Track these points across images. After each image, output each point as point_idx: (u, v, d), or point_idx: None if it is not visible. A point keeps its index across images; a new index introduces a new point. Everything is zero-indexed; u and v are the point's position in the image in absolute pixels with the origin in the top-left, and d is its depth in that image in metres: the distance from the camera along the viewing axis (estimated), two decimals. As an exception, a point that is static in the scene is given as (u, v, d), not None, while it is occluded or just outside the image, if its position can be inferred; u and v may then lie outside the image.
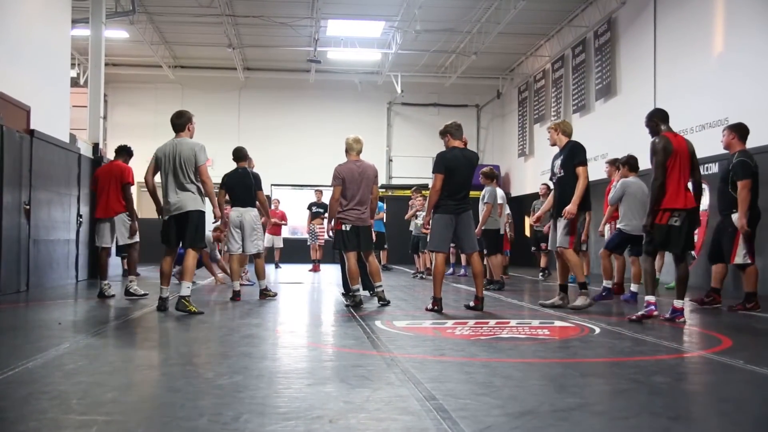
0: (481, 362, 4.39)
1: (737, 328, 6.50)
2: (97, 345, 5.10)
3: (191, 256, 6.93)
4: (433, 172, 7.23)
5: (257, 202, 8.63)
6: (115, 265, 11.80)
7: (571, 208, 7.25)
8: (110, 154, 14.26)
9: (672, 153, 6.29)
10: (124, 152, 9.05)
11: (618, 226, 8.70)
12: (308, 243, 16.19)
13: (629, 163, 8.75)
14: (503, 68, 21.50)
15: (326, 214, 15.52)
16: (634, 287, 8.58)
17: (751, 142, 10.30)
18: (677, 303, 6.44)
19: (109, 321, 6.54)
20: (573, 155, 7.40)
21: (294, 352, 5.02)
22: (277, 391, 3.54)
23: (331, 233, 7.88)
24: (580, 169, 7.32)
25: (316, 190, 16.67)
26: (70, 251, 11.16)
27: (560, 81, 18.12)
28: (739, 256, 7.51)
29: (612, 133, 14.86)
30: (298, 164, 21.01)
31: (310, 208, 15.95)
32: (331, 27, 17.42)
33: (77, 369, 4.17)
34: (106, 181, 8.55)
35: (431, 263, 13.97)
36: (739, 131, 7.68)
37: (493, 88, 22.00)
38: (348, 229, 7.67)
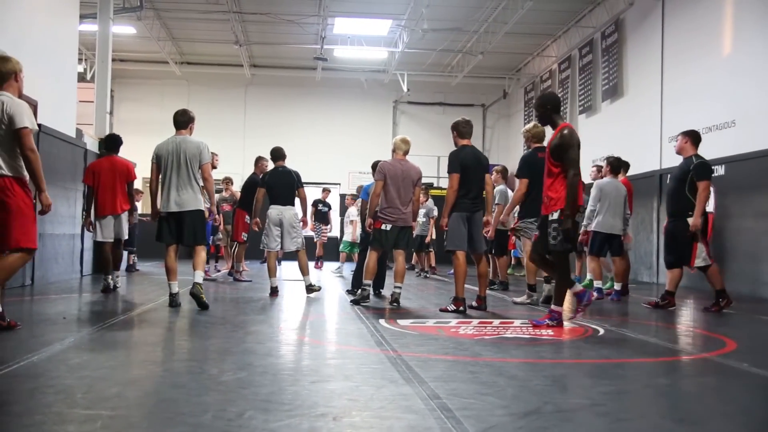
0: (485, 362, 4.39)
1: (742, 331, 6.49)
2: (101, 340, 5.10)
3: (202, 250, 7.05)
4: (448, 173, 7.20)
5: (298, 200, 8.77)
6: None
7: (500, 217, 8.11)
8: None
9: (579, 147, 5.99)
10: (115, 144, 9.01)
11: (593, 227, 8.88)
12: (315, 240, 16.13)
13: (612, 164, 8.98)
14: (510, 68, 21.48)
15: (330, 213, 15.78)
16: (617, 286, 8.91)
17: (758, 146, 10.33)
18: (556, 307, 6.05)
19: (114, 316, 6.55)
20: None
21: (298, 349, 5.03)
22: (282, 388, 3.54)
23: (369, 229, 7.84)
24: (520, 182, 7.79)
25: (324, 190, 16.66)
26: (75, 246, 11.18)
27: (567, 81, 18.09)
28: (700, 259, 7.57)
29: (618, 135, 14.84)
30: (303, 161, 20.84)
31: (315, 205, 15.89)
32: (338, 25, 17.44)
33: (82, 363, 4.18)
34: (110, 178, 8.53)
35: (427, 263, 14.07)
36: (693, 137, 7.81)
37: (500, 87, 21.99)
38: (388, 229, 7.62)
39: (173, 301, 6.95)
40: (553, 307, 6.05)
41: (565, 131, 5.89)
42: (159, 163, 7.01)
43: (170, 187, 6.89)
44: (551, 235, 5.89)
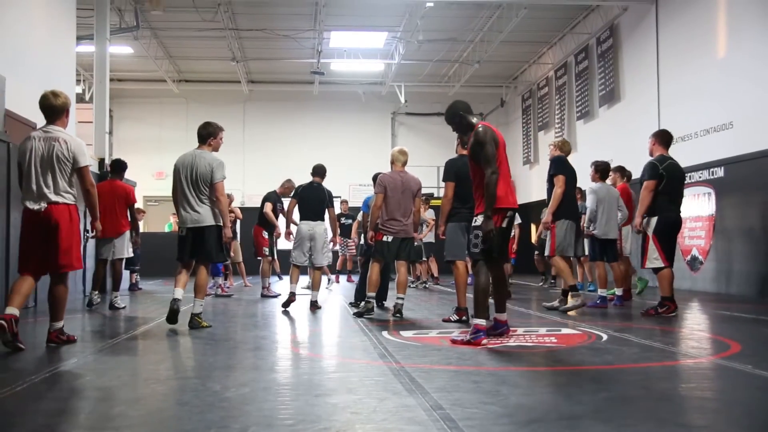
0: (488, 371, 4.38)
1: (746, 333, 6.48)
2: (104, 359, 5.11)
3: (204, 273, 6.77)
4: (443, 180, 7.22)
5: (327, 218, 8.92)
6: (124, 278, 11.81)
7: (545, 218, 8.06)
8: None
9: (498, 144, 5.58)
10: (120, 169, 9.43)
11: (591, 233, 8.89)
12: (340, 254, 15.83)
13: (601, 170, 8.91)
14: (506, 76, 21.54)
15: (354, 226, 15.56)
16: (618, 291, 8.96)
17: (756, 147, 10.34)
18: (478, 322, 5.47)
19: (117, 335, 6.55)
20: (550, 167, 8.08)
21: (301, 364, 5.02)
22: (284, 403, 3.54)
23: (371, 241, 7.86)
24: (555, 179, 7.94)
25: (342, 202, 16.35)
26: (77, 266, 11.18)
27: (563, 88, 18.14)
28: (650, 260, 7.51)
29: (616, 139, 14.86)
30: (303, 176, 20.90)
31: (338, 219, 15.51)
32: (334, 39, 17.52)
33: (85, 383, 4.18)
34: (110, 200, 8.83)
35: (429, 272, 14.02)
36: (660, 137, 7.80)
37: (497, 96, 22.04)
38: (390, 240, 7.64)
39: (174, 305, 6.57)
40: (474, 321, 5.52)
41: (480, 128, 5.62)
42: (174, 177, 6.80)
43: (184, 202, 6.69)
44: (471, 241, 5.58)
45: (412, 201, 7.74)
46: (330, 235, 9.21)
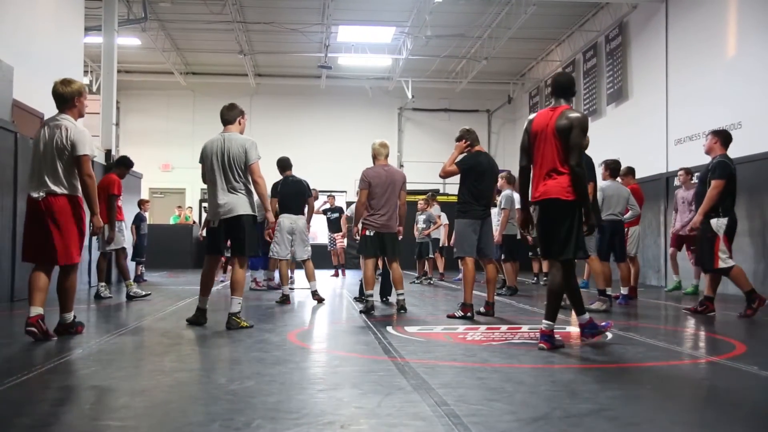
0: (492, 368, 4.37)
1: (751, 333, 6.45)
2: (110, 350, 5.12)
3: (242, 267, 6.27)
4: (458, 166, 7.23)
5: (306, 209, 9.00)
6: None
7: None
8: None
9: (529, 133, 5.27)
10: (122, 165, 9.44)
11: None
12: (329, 249, 15.92)
13: (611, 168, 8.81)
14: (514, 73, 21.49)
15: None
16: (624, 290, 8.83)
17: (764, 147, 10.29)
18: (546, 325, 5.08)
19: (122, 326, 6.57)
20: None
21: (306, 358, 5.02)
22: (289, 397, 3.54)
23: (356, 237, 7.85)
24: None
25: (329, 196, 16.37)
26: (83, 257, 11.20)
27: (571, 86, 18.06)
28: (722, 261, 7.26)
29: (624, 138, 14.81)
30: (308, 170, 20.81)
31: (325, 213, 15.64)
32: (341, 33, 17.49)
33: (90, 374, 4.19)
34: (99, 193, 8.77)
35: (432, 269, 14.00)
36: (722, 137, 7.56)
37: (504, 93, 21.99)
38: (371, 234, 7.61)
39: (200, 317, 6.27)
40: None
41: None
42: (204, 164, 6.32)
43: (216, 190, 6.18)
44: None
45: (398, 195, 7.70)
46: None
